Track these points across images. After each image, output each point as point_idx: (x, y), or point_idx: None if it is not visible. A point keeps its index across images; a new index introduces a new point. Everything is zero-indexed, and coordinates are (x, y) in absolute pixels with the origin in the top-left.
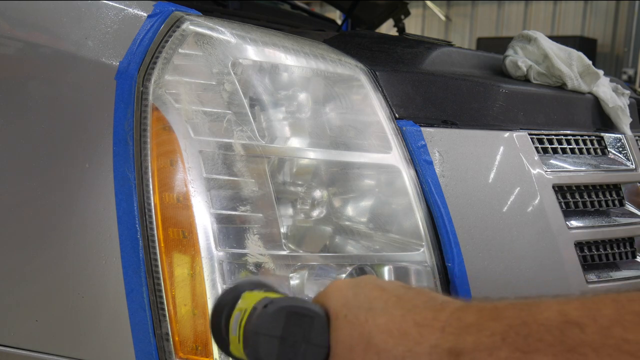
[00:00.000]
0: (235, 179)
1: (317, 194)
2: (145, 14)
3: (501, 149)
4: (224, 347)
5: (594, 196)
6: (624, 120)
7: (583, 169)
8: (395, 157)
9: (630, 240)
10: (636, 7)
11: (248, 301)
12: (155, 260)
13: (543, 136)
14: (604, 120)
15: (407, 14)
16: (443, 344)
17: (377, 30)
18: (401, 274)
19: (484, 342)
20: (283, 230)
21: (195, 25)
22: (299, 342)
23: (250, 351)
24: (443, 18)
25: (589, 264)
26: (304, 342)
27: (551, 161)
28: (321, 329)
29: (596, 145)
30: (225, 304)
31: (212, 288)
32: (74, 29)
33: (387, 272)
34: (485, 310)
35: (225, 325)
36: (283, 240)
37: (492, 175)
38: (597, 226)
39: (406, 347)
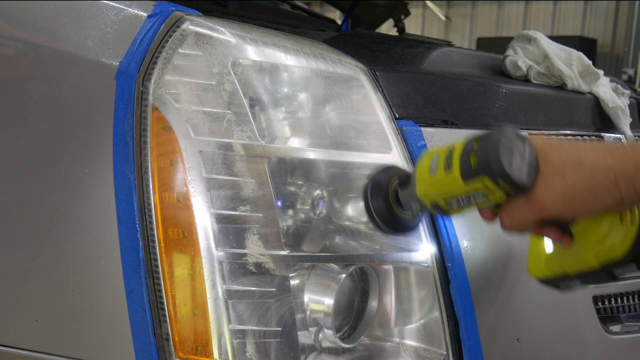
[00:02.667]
0: (235, 179)
1: (317, 194)
2: (145, 14)
3: None
4: (393, 222)
5: None
6: (624, 120)
7: None
8: (395, 157)
9: None
10: (636, 7)
11: (440, 149)
12: (155, 260)
13: (543, 136)
14: (604, 120)
15: (407, 14)
16: None
17: (377, 30)
18: (401, 274)
19: None
20: (283, 230)
21: (195, 25)
22: (522, 158)
23: (484, 160)
24: (443, 18)
25: None
26: (522, 158)
27: None
28: (533, 151)
29: None
30: (379, 191)
31: (212, 288)
32: (74, 29)
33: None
34: None
35: (388, 204)
36: (283, 240)
37: None
38: None
39: (615, 161)
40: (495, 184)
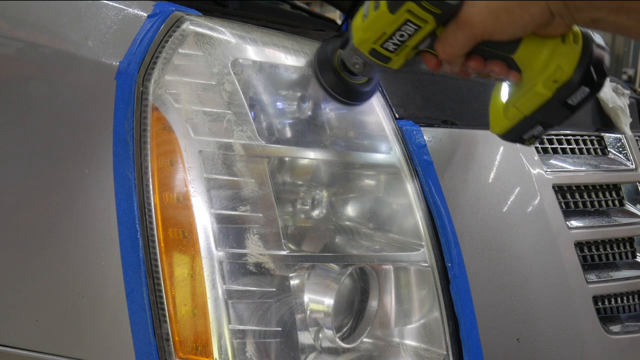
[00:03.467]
0: (235, 179)
1: (317, 194)
2: (145, 14)
3: (501, 149)
4: (343, 90)
5: (594, 196)
6: (624, 120)
7: (583, 169)
8: (395, 157)
9: (630, 240)
10: None
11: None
12: (155, 260)
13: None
14: (603, 120)
15: None
16: None
17: None
18: (401, 274)
19: None
20: (283, 230)
21: (195, 25)
22: None
23: None
24: None
25: (589, 264)
26: None
27: (551, 161)
28: None
29: (596, 145)
30: (325, 61)
31: (212, 288)
32: (74, 29)
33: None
34: None
35: (336, 71)
36: (283, 240)
37: (492, 175)
38: (597, 226)
39: None
40: (420, 7)
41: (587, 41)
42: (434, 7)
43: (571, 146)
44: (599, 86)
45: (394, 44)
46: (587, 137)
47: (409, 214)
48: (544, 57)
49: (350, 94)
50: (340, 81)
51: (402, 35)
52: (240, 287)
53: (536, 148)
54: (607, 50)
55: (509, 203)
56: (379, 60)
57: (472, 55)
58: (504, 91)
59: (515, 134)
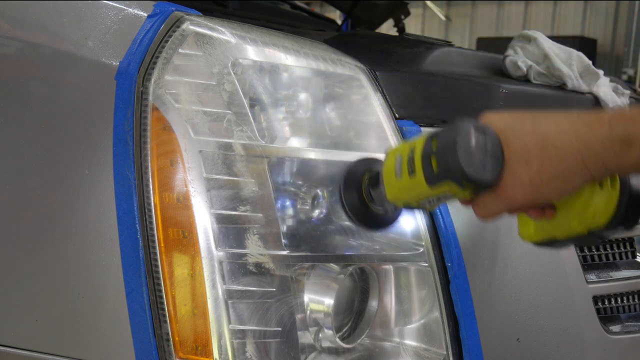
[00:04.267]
0: (235, 179)
1: (317, 194)
2: (145, 14)
3: None
4: (366, 217)
5: None
6: None
7: None
8: None
9: (630, 240)
10: (636, 7)
11: (403, 147)
12: (155, 260)
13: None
14: None
15: (407, 14)
16: (614, 134)
17: (377, 30)
18: (401, 274)
19: None
20: (283, 230)
21: (195, 25)
22: (484, 152)
23: (445, 166)
24: (443, 18)
25: (588, 264)
26: (485, 153)
27: None
28: (496, 142)
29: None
30: (352, 183)
31: (212, 288)
32: (74, 29)
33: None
34: None
35: (361, 198)
36: (283, 240)
37: None
38: None
39: (581, 142)
40: (460, 187)
41: (625, 185)
42: (474, 188)
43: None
44: (634, 223)
45: (430, 203)
46: None
47: (409, 214)
48: (582, 203)
49: (371, 221)
50: (363, 208)
51: (439, 199)
52: (240, 287)
53: None
54: None
55: None
56: (413, 209)
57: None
58: None
59: (545, 245)
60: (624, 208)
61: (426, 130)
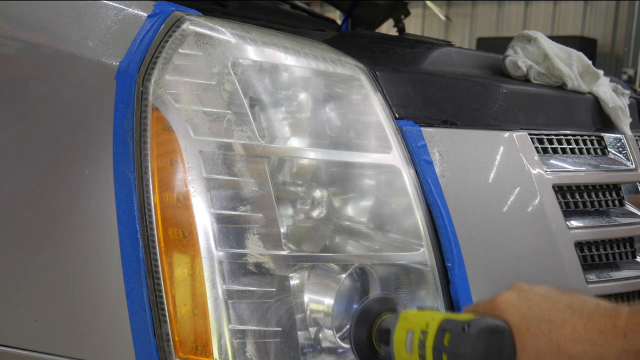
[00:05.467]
0: (235, 179)
1: (317, 194)
2: (145, 14)
3: (501, 149)
4: (371, 357)
5: (594, 196)
6: (624, 120)
7: (583, 169)
8: (395, 157)
9: (630, 240)
10: (636, 7)
11: (415, 321)
12: (155, 260)
13: (543, 136)
14: (604, 120)
15: (407, 14)
16: (629, 347)
17: (377, 30)
18: (401, 274)
19: None
20: (283, 230)
21: (195, 25)
22: (496, 357)
23: None
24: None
25: (589, 264)
26: (498, 356)
27: (551, 161)
28: (510, 343)
29: (596, 145)
30: (364, 321)
31: (212, 288)
32: (74, 29)
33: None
34: None
35: (369, 339)
36: (283, 240)
37: (492, 175)
38: (597, 226)
39: (595, 353)
40: None
41: None
42: None
43: (571, 146)
44: None
45: None
46: (587, 137)
47: (409, 214)
48: None
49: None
50: (369, 347)
51: None
52: (240, 287)
53: (536, 148)
54: None
55: (509, 203)
56: None
57: None
58: None
59: None
60: None
61: (426, 130)
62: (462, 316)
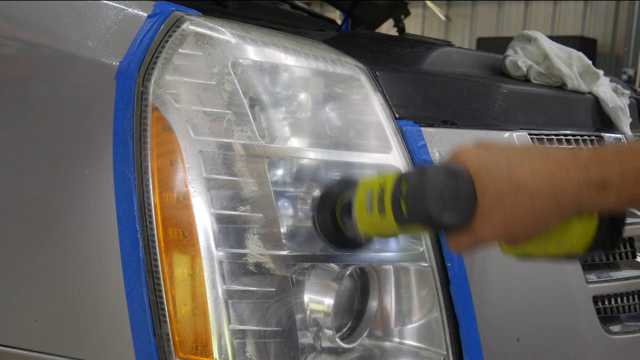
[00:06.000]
0: (235, 179)
1: (317, 193)
2: (145, 14)
3: None
4: (338, 239)
5: None
6: (624, 120)
7: None
8: (395, 157)
9: (630, 240)
10: (636, 7)
11: (374, 182)
12: (155, 260)
13: (543, 136)
14: (604, 120)
15: (407, 14)
16: (590, 179)
17: (377, 30)
18: (401, 274)
19: (628, 174)
20: (283, 230)
21: (195, 25)
22: (454, 195)
23: (414, 211)
24: (443, 18)
25: (589, 264)
26: (457, 195)
27: None
28: (469, 186)
29: (596, 145)
30: (326, 204)
31: (212, 288)
32: (74, 29)
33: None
34: (622, 148)
35: (334, 220)
36: (283, 240)
37: None
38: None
39: (556, 186)
40: (430, 229)
41: (603, 213)
42: (440, 228)
43: (571, 146)
44: (613, 247)
45: (403, 235)
46: (587, 137)
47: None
48: (558, 232)
49: (340, 242)
50: (335, 229)
51: (412, 235)
52: (240, 287)
53: None
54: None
55: None
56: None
57: None
58: None
59: (524, 259)
60: (603, 235)
61: (426, 130)
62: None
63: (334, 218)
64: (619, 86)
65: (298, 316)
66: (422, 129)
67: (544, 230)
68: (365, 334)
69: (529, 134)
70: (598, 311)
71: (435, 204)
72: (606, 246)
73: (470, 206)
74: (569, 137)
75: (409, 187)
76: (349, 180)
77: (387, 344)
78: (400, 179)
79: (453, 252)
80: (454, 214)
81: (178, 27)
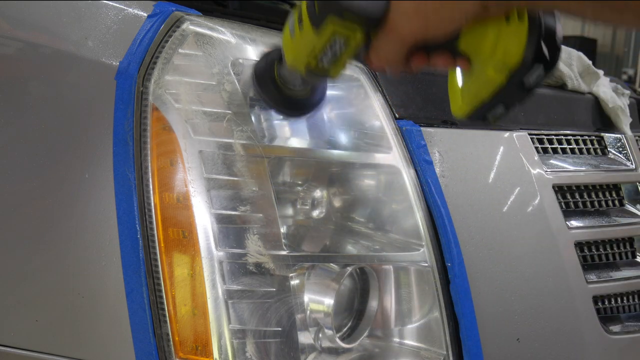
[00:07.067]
0: (235, 179)
1: (317, 194)
2: (145, 14)
3: (501, 149)
4: (281, 100)
5: (594, 196)
6: (624, 120)
7: (583, 169)
8: (395, 157)
9: (630, 240)
10: None
11: (294, 12)
12: (155, 260)
13: (543, 136)
14: (604, 120)
15: None
16: None
17: None
18: (401, 274)
19: None
20: (283, 230)
21: (195, 25)
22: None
23: (328, 5)
24: None
25: (588, 264)
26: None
27: (551, 161)
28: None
29: (596, 145)
30: (265, 67)
31: (212, 288)
32: (74, 29)
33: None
34: None
35: (272, 78)
36: (283, 240)
37: (492, 175)
38: (597, 226)
39: (453, 3)
40: (344, 22)
41: (534, 17)
42: (359, 22)
43: (571, 146)
44: (553, 61)
45: (327, 58)
46: (587, 137)
47: (409, 214)
48: (489, 41)
49: (294, 106)
50: (282, 95)
51: (333, 50)
52: (240, 287)
53: (536, 148)
54: (558, 20)
55: (509, 203)
56: (317, 74)
57: (413, 53)
58: (459, 76)
59: (477, 116)
60: (536, 41)
61: (426, 130)
62: None
63: (276, 85)
64: (619, 86)
65: (298, 316)
66: (422, 129)
67: (462, 18)
68: (365, 334)
69: (529, 134)
70: (598, 311)
71: None
72: (544, 57)
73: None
74: (569, 137)
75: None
76: (274, 50)
77: (387, 344)
78: None
79: (378, 69)
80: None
81: (178, 27)
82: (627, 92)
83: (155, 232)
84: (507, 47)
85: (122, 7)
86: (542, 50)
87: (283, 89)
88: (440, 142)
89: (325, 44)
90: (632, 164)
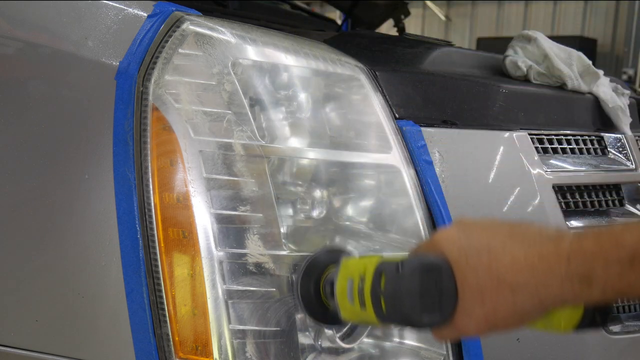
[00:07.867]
0: (235, 179)
1: (317, 194)
2: (145, 14)
3: (501, 149)
4: (320, 313)
5: (594, 196)
6: (624, 120)
7: (583, 169)
8: (395, 157)
9: None
10: (636, 7)
11: (355, 268)
12: (155, 260)
13: (543, 136)
14: (604, 120)
15: (407, 14)
16: (573, 272)
17: (377, 30)
18: None
19: (613, 267)
20: (283, 230)
21: (195, 25)
22: (434, 294)
23: (394, 311)
24: (443, 18)
25: None
26: (437, 293)
27: (551, 161)
28: (449, 278)
29: (596, 145)
30: (311, 275)
31: (212, 288)
32: (74, 29)
33: None
34: (603, 237)
35: (317, 292)
36: (283, 240)
37: (492, 175)
38: (597, 226)
39: (538, 280)
40: (410, 325)
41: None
42: (419, 329)
43: (571, 146)
44: (603, 325)
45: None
46: (587, 137)
47: (409, 214)
48: (545, 317)
49: (321, 316)
50: (317, 302)
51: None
52: (240, 287)
53: (536, 148)
54: None
55: (509, 203)
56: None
57: None
58: None
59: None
60: (590, 316)
61: (426, 130)
62: (399, 257)
63: (317, 293)
64: (619, 86)
65: (298, 316)
66: (422, 129)
67: (527, 323)
68: (365, 334)
69: (529, 134)
70: None
71: (413, 305)
72: (595, 325)
73: (451, 302)
74: (569, 137)
75: (386, 284)
76: (336, 250)
77: (387, 344)
78: (380, 271)
79: (437, 340)
80: (435, 314)
81: (178, 27)
82: (627, 92)
83: (155, 232)
84: (562, 320)
85: (122, 7)
86: (595, 320)
87: (322, 301)
88: (440, 142)
89: (388, 327)
90: (632, 164)
